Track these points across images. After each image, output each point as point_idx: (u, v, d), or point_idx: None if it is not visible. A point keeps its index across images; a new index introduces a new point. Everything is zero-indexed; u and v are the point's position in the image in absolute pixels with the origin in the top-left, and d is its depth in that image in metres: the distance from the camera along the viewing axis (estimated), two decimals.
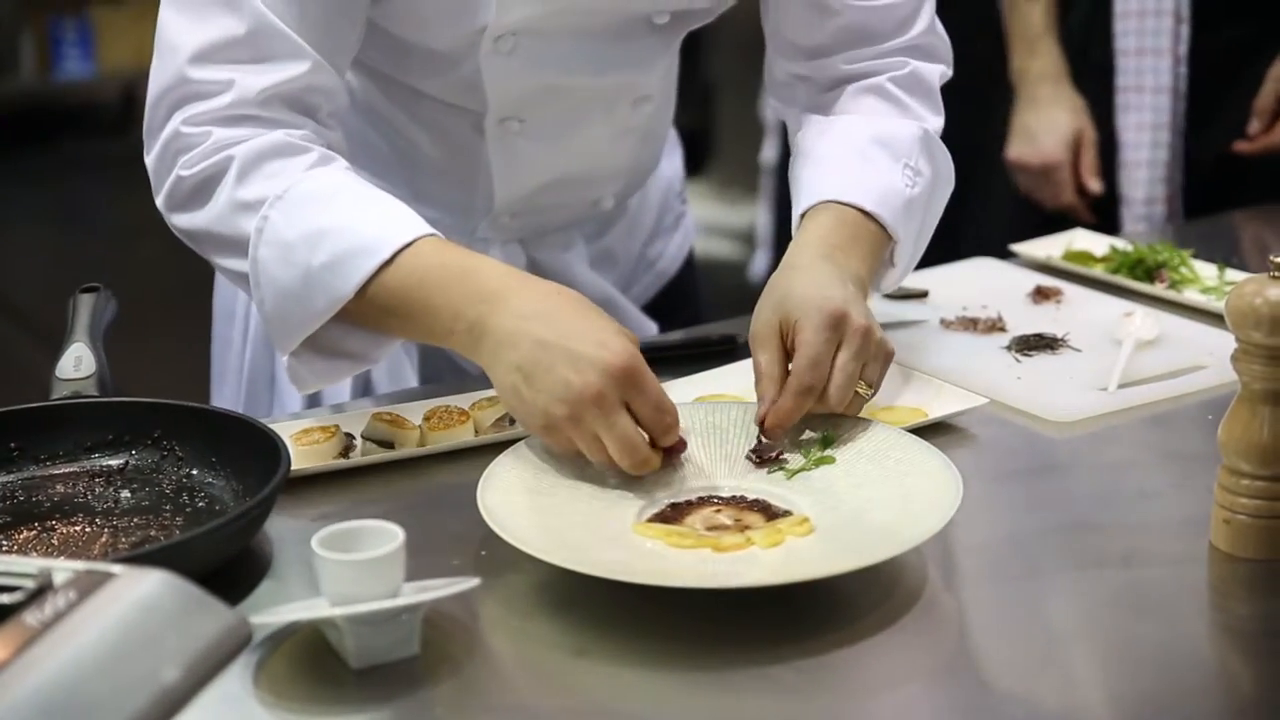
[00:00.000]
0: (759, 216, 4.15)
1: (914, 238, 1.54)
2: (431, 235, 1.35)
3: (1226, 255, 1.92)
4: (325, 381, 1.43)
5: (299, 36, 1.40)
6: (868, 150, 1.54)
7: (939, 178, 1.58)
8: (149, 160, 1.43)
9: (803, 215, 1.51)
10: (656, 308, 1.88)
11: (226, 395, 1.80)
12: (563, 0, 1.50)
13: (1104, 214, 2.38)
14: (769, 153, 3.94)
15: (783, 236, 3.73)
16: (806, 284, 1.39)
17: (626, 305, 1.82)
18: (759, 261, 4.10)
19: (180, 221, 1.43)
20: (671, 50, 1.65)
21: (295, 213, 1.35)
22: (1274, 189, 2.31)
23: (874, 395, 1.39)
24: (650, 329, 1.82)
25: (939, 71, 1.64)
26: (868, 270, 1.48)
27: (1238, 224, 2.23)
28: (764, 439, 1.36)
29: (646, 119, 1.68)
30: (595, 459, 1.28)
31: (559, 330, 1.27)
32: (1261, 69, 2.35)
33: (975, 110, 2.24)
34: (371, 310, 1.35)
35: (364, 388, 1.70)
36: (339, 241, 1.34)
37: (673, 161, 1.92)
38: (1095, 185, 2.39)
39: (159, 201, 1.43)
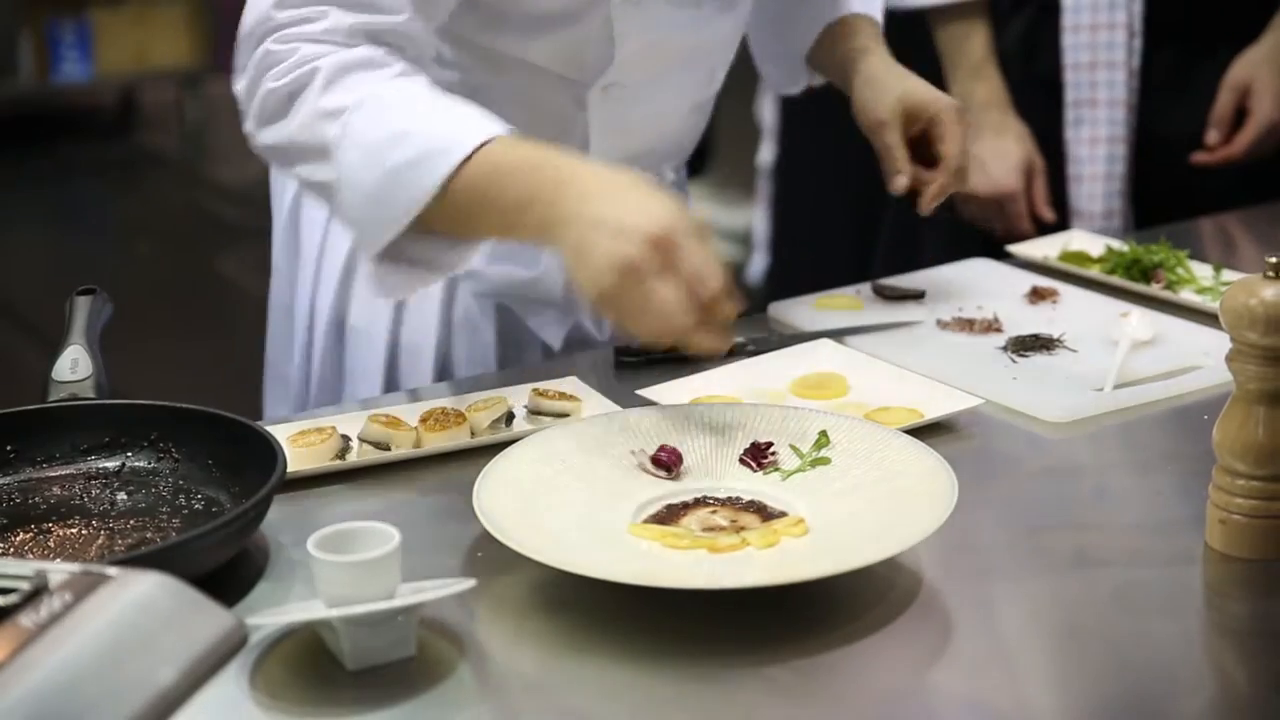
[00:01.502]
0: (756, 218, 4.14)
1: None
2: (508, 133, 1.36)
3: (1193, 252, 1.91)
4: (408, 290, 1.44)
5: None
6: None
7: None
8: (238, 90, 1.46)
9: (830, 26, 1.81)
10: None
11: (287, 390, 1.81)
12: None
13: (1055, 229, 2.33)
14: (766, 155, 3.94)
15: (780, 238, 3.74)
16: (917, 84, 1.72)
17: None
18: (756, 263, 4.09)
19: (266, 137, 1.44)
20: (740, 17, 1.72)
21: (378, 115, 1.38)
22: (1224, 198, 2.27)
23: None
24: None
25: None
26: None
27: (1196, 228, 2.22)
28: (920, 211, 1.70)
29: (712, 92, 1.77)
30: (643, 334, 1.30)
31: (611, 207, 1.29)
32: (1213, 78, 2.32)
33: None
34: (450, 210, 1.36)
35: (441, 371, 1.72)
36: (420, 142, 1.35)
37: None
38: (1048, 214, 2.35)
39: (248, 125, 1.46)
